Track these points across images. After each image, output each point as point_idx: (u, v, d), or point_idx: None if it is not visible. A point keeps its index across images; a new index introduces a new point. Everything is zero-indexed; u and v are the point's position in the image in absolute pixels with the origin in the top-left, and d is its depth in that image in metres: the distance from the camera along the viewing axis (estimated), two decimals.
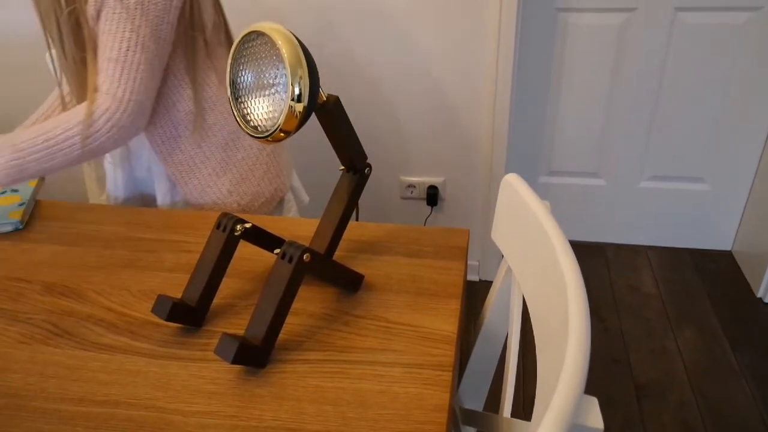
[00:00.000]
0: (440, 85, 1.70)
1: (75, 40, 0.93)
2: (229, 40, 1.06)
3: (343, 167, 0.76)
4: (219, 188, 1.08)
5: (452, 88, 1.70)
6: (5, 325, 0.75)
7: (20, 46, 1.80)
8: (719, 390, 1.56)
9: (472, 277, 2.00)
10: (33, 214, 0.98)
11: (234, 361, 0.63)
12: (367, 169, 0.76)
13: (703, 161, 1.92)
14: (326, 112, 0.67)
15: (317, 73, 0.62)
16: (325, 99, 0.66)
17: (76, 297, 0.80)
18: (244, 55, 0.64)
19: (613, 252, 2.08)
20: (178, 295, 0.74)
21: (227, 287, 0.79)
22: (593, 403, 0.45)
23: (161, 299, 0.71)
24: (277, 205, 1.17)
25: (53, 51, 0.98)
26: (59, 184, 2.06)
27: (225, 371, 0.67)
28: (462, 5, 1.57)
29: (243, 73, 0.64)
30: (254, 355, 0.66)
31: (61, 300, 0.79)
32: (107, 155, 1.12)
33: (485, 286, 1.98)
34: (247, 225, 0.73)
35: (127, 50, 0.89)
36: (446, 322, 0.72)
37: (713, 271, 1.97)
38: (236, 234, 0.73)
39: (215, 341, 0.71)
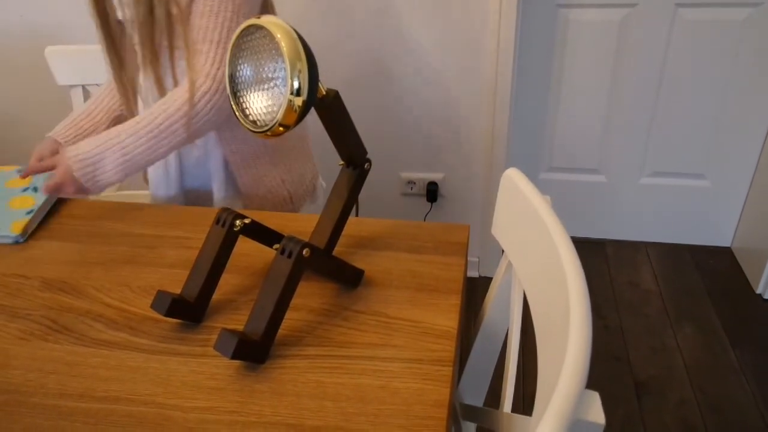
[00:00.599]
0: (440, 81, 1.70)
1: (167, 26, 0.93)
2: None
3: (342, 162, 0.76)
4: (273, 177, 1.09)
5: (452, 84, 1.69)
6: (5, 321, 0.75)
7: (20, 46, 1.80)
8: (719, 387, 1.56)
9: (472, 273, 2.00)
10: (40, 225, 0.96)
11: (233, 357, 0.63)
12: (367, 164, 0.76)
13: (704, 158, 1.92)
14: (325, 106, 0.67)
15: (317, 66, 0.62)
16: (324, 93, 0.66)
17: (76, 293, 0.79)
18: (243, 49, 0.63)
19: (613, 248, 2.08)
20: (178, 291, 0.73)
21: (227, 283, 0.79)
22: (595, 398, 0.45)
23: (160, 295, 0.70)
24: (313, 190, 1.19)
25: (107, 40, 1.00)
26: None
27: (225, 367, 0.67)
28: (462, 1, 1.57)
29: (242, 66, 0.64)
30: (254, 350, 0.66)
31: (61, 296, 0.79)
32: None
33: (485, 282, 1.98)
34: (247, 220, 0.73)
35: (228, 32, 0.90)
36: (446, 318, 0.72)
37: (713, 268, 1.97)
38: (235, 229, 0.73)
39: (215, 337, 0.71)
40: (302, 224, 0.90)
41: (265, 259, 0.84)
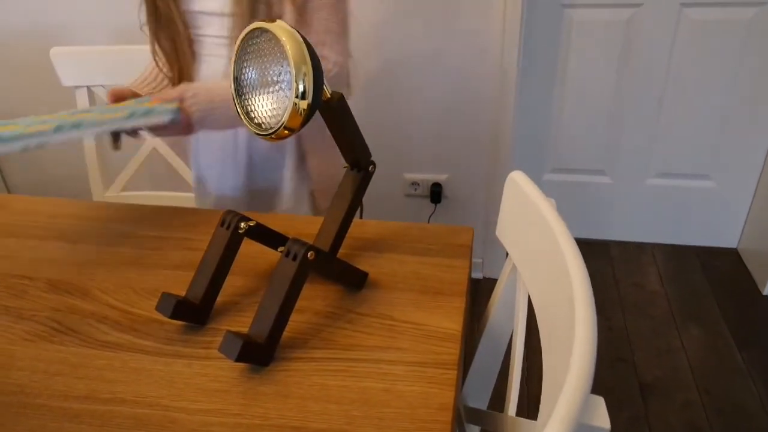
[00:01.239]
0: (445, 82, 1.69)
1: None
2: None
3: (347, 165, 0.76)
4: (338, 159, 1.11)
5: (457, 85, 1.69)
6: (10, 322, 0.75)
7: (26, 47, 1.80)
8: (725, 388, 1.56)
9: (476, 274, 2.00)
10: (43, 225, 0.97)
11: (238, 359, 0.63)
12: (372, 166, 0.76)
13: (709, 158, 1.91)
14: (330, 109, 0.67)
15: (321, 70, 0.62)
16: (329, 96, 0.66)
17: (81, 294, 0.80)
18: (248, 52, 0.64)
19: (618, 250, 2.07)
20: (183, 293, 0.74)
21: (231, 285, 0.79)
22: (600, 402, 0.45)
23: (165, 297, 0.71)
24: None
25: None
26: (64, 182, 2.07)
27: (229, 369, 0.67)
28: (467, 2, 1.57)
29: (247, 70, 0.64)
30: (258, 352, 0.66)
31: (66, 297, 0.79)
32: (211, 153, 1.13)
33: (489, 283, 1.97)
34: (251, 222, 0.73)
35: (345, 21, 0.98)
36: (451, 320, 0.72)
37: (719, 269, 1.96)
38: (240, 231, 0.73)
39: (219, 339, 0.71)
40: (307, 226, 0.90)
41: (270, 261, 0.84)
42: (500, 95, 1.68)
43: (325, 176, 1.11)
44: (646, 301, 1.86)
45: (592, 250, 2.06)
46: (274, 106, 0.63)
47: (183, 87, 0.94)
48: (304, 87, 0.59)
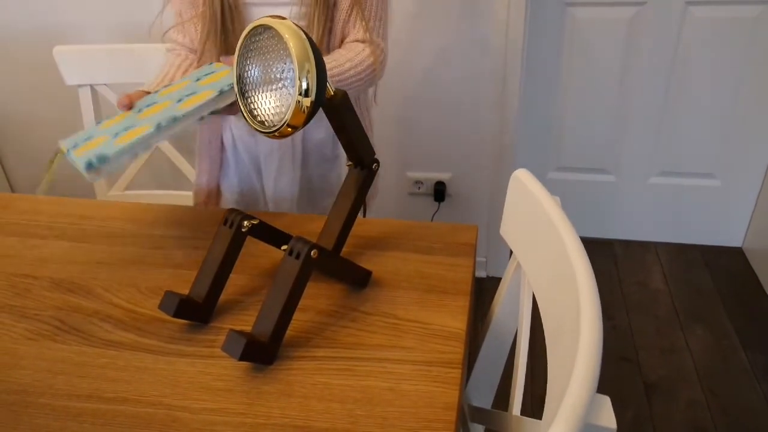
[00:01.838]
0: (448, 81, 1.69)
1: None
2: None
3: (350, 162, 0.76)
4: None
5: (460, 83, 1.69)
6: (13, 321, 0.75)
7: (29, 46, 1.81)
8: (730, 388, 1.55)
9: (480, 273, 2.00)
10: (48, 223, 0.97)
11: (241, 358, 0.63)
12: (375, 164, 0.75)
13: (714, 157, 1.90)
14: (333, 107, 0.67)
15: (325, 67, 0.61)
16: (332, 94, 0.66)
17: (84, 293, 0.80)
18: (251, 50, 0.63)
19: (622, 248, 2.06)
20: (186, 292, 0.73)
21: (234, 284, 0.79)
22: (606, 402, 0.45)
23: (168, 295, 0.70)
24: None
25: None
26: (67, 181, 2.07)
27: (232, 368, 0.67)
28: (470, 1, 1.56)
29: (250, 67, 0.64)
30: (262, 351, 0.66)
31: (69, 296, 0.79)
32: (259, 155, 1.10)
33: (493, 282, 1.97)
34: (254, 221, 0.73)
35: (388, 7, 1.01)
36: (455, 319, 0.72)
37: (723, 268, 1.96)
38: (243, 230, 0.72)
39: (223, 338, 0.71)
40: (310, 225, 0.90)
41: (273, 259, 0.84)
42: (504, 94, 1.67)
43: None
44: (650, 300, 1.85)
45: (595, 249, 2.05)
46: (278, 103, 0.63)
47: None
48: (308, 84, 0.59)
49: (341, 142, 0.72)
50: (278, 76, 0.62)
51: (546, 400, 0.55)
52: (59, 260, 0.86)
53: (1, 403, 0.64)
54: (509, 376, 0.71)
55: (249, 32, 0.63)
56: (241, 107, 0.66)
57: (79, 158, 0.75)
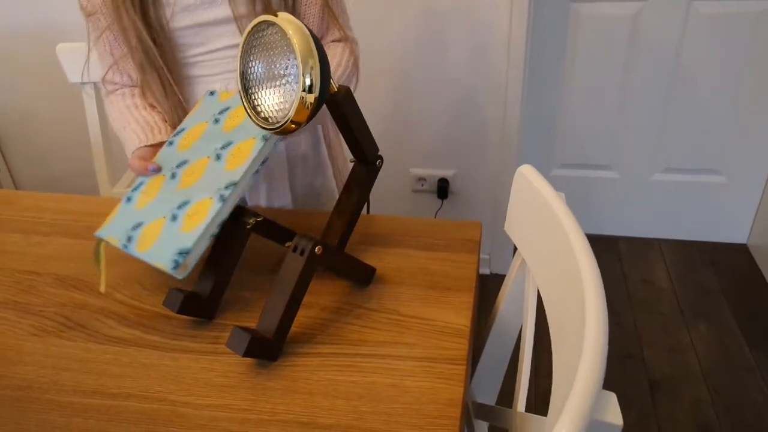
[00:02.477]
0: (451, 77, 1.68)
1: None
2: None
3: (354, 159, 0.76)
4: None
5: (463, 79, 1.68)
6: (18, 317, 0.76)
7: (32, 43, 1.81)
8: (734, 386, 1.55)
9: (483, 270, 1.99)
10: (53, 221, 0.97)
11: (246, 354, 0.63)
12: (379, 161, 0.75)
13: (718, 153, 1.89)
14: (337, 103, 0.66)
15: (328, 63, 0.61)
16: (336, 90, 0.65)
17: (88, 290, 0.80)
18: (255, 46, 0.63)
19: (626, 245, 2.06)
20: (190, 289, 0.73)
21: (239, 280, 0.79)
22: (612, 398, 0.45)
23: (172, 292, 0.70)
24: None
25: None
26: (71, 179, 2.07)
27: (237, 364, 0.67)
28: None
29: (253, 63, 0.64)
30: (266, 348, 0.66)
31: (73, 293, 0.79)
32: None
33: (496, 279, 1.97)
34: (259, 218, 0.73)
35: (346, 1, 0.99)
36: (459, 316, 0.72)
37: (728, 265, 1.95)
38: (248, 227, 0.72)
39: (227, 334, 0.71)
40: (314, 222, 0.90)
41: (278, 256, 0.83)
42: (507, 90, 1.67)
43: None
44: (654, 297, 1.84)
45: (599, 245, 2.05)
46: (281, 100, 0.62)
47: None
48: (312, 80, 0.59)
49: (345, 139, 0.72)
50: (282, 72, 0.62)
51: (551, 396, 0.55)
52: (63, 257, 0.86)
53: (6, 399, 0.64)
54: (513, 373, 0.71)
55: (253, 28, 0.62)
56: (245, 104, 0.65)
57: (152, 257, 0.69)
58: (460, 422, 0.59)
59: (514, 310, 0.78)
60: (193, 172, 0.75)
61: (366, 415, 0.60)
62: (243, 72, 0.65)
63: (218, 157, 0.74)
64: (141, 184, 0.79)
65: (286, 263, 0.67)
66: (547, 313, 0.63)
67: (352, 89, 0.95)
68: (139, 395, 0.64)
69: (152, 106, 0.95)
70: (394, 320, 0.72)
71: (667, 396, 1.53)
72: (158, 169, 0.78)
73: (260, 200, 1.03)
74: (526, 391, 0.68)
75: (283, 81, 0.62)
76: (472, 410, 0.83)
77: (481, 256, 1.98)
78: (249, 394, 0.63)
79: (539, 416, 0.61)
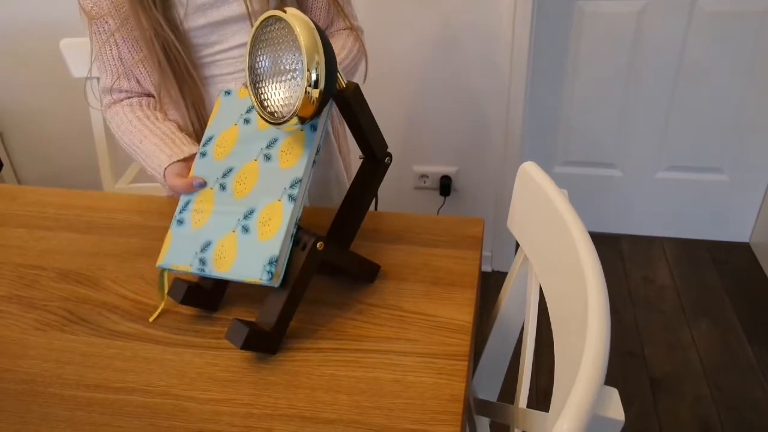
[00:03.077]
0: (455, 74, 1.68)
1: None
2: None
3: (362, 156, 0.76)
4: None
5: (467, 77, 1.68)
6: (22, 311, 0.76)
7: (33, 37, 1.81)
8: (736, 384, 1.55)
9: (485, 267, 1.99)
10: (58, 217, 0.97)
11: (244, 347, 0.63)
12: (388, 158, 0.75)
13: (721, 152, 1.89)
14: (345, 99, 0.66)
15: (335, 59, 0.61)
16: (344, 86, 0.65)
17: (92, 284, 0.80)
18: (262, 40, 0.63)
19: (628, 243, 2.06)
20: (194, 281, 0.73)
21: None
22: (613, 394, 0.45)
23: (177, 282, 0.71)
24: None
25: None
26: (74, 174, 2.08)
27: (239, 359, 0.67)
28: None
29: (261, 58, 0.64)
30: (265, 341, 0.66)
31: (77, 287, 0.80)
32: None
33: (498, 276, 1.97)
34: None
35: None
36: (461, 312, 0.72)
37: (730, 264, 1.95)
38: None
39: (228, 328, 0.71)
40: (320, 218, 0.90)
41: None
42: (510, 87, 1.66)
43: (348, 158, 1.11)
44: (656, 295, 1.84)
45: (602, 243, 2.05)
46: (287, 94, 0.63)
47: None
48: (317, 75, 0.59)
49: (354, 135, 0.72)
50: (288, 67, 0.62)
51: (553, 392, 0.55)
52: (67, 252, 0.86)
53: (10, 393, 0.65)
54: (515, 370, 0.71)
55: (260, 23, 0.62)
56: (252, 98, 0.65)
57: (238, 274, 0.67)
58: (461, 418, 0.60)
59: (516, 307, 0.78)
60: (244, 178, 0.71)
61: (368, 410, 0.60)
62: (251, 66, 0.65)
63: (267, 158, 0.71)
64: (188, 202, 0.74)
65: (289, 258, 0.67)
66: (549, 309, 0.64)
67: (360, 76, 0.95)
68: (142, 389, 0.64)
69: (165, 116, 0.93)
70: (396, 316, 0.72)
71: (668, 393, 1.53)
72: (204, 184, 0.74)
73: None
74: (528, 388, 0.68)
75: (290, 76, 0.62)
76: (473, 406, 0.83)
77: (484, 253, 1.98)
78: (252, 388, 0.64)
79: (541, 412, 0.62)
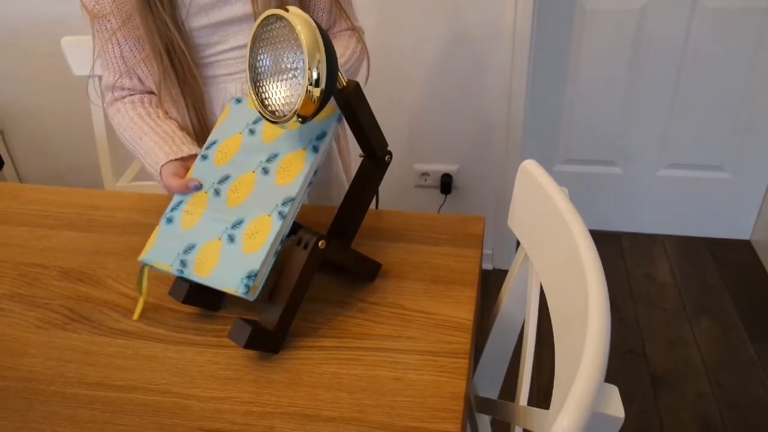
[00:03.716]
0: (455, 72, 1.68)
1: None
2: None
3: (362, 154, 0.76)
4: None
5: (468, 75, 1.68)
6: (23, 310, 0.76)
7: (34, 35, 1.81)
8: (737, 381, 1.55)
9: (486, 265, 1.99)
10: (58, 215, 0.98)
11: (246, 346, 0.63)
12: (388, 156, 0.75)
13: (723, 149, 1.89)
14: (345, 98, 0.66)
15: (336, 58, 0.61)
16: (344, 84, 0.65)
17: (93, 283, 0.80)
18: (263, 39, 0.63)
19: (629, 241, 2.06)
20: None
21: None
22: (613, 391, 0.45)
23: (178, 282, 0.71)
24: None
25: None
26: (75, 172, 2.08)
27: (241, 357, 0.67)
28: None
29: (261, 56, 0.64)
30: (268, 340, 0.66)
31: (78, 285, 0.80)
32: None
33: (499, 274, 1.97)
34: None
35: None
36: (462, 310, 0.72)
37: (731, 261, 1.95)
38: None
39: (231, 327, 0.71)
40: (321, 216, 0.90)
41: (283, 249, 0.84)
42: (511, 85, 1.66)
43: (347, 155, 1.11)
44: (657, 293, 1.84)
45: (603, 241, 2.05)
46: (288, 93, 0.63)
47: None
48: (318, 74, 0.59)
49: (354, 133, 0.72)
50: (289, 65, 0.62)
51: (554, 389, 0.55)
52: (68, 250, 0.87)
53: (12, 391, 0.65)
54: (515, 367, 0.72)
55: (261, 22, 0.62)
56: (253, 97, 0.65)
57: (217, 282, 0.67)
58: (462, 415, 0.60)
59: (517, 305, 0.78)
60: (239, 187, 0.71)
61: (369, 408, 0.61)
62: (252, 65, 0.65)
63: (266, 171, 0.71)
64: (180, 202, 0.74)
65: (290, 257, 0.67)
66: (549, 307, 0.64)
67: (362, 76, 0.95)
68: (144, 387, 0.64)
69: (166, 113, 0.93)
70: (397, 314, 0.72)
71: (669, 390, 1.53)
72: (200, 186, 0.74)
73: None
74: (529, 385, 0.68)
75: (290, 75, 0.62)
76: (474, 404, 0.83)
77: (484, 251, 1.98)
78: (253, 386, 0.64)
79: (541, 409, 0.62)
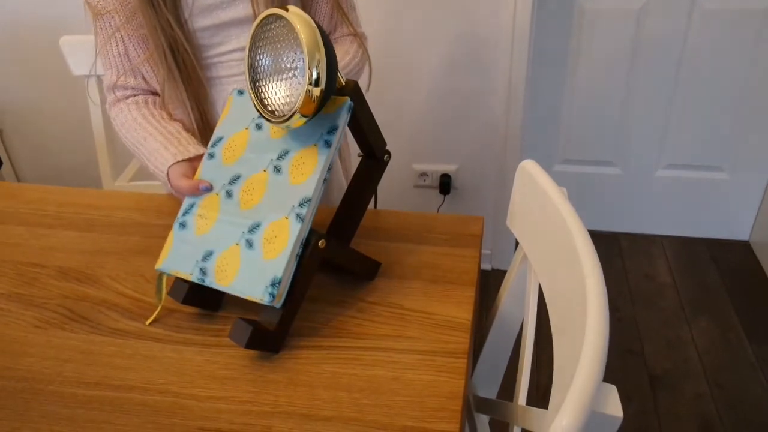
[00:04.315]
0: (454, 72, 1.68)
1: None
2: None
3: (361, 153, 0.76)
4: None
5: (466, 74, 1.68)
6: (21, 309, 0.76)
7: (32, 35, 1.81)
8: (735, 381, 1.55)
9: (485, 265, 1.99)
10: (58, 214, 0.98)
11: (248, 346, 0.63)
12: (387, 156, 0.75)
13: (721, 150, 1.89)
14: (344, 97, 0.66)
15: (335, 57, 0.61)
16: (343, 84, 0.65)
17: (91, 282, 0.80)
18: (263, 38, 0.63)
19: (627, 241, 2.06)
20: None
21: None
22: (612, 390, 0.45)
23: (178, 282, 0.71)
24: None
25: None
26: (74, 172, 2.08)
27: (239, 357, 0.67)
28: None
29: (261, 56, 0.64)
30: (268, 340, 0.66)
31: (76, 285, 0.80)
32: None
33: (497, 275, 1.97)
34: None
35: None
36: (461, 310, 0.72)
37: (730, 261, 1.95)
38: None
39: (229, 327, 0.71)
40: (320, 216, 0.90)
41: None
42: (510, 85, 1.66)
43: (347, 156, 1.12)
44: (655, 293, 1.85)
45: (601, 241, 2.05)
46: (288, 93, 0.62)
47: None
48: (318, 74, 0.59)
49: (353, 133, 0.72)
50: (288, 65, 0.62)
51: (552, 389, 0.55)
52: (66, 249, 0.87)
53: (10, 391, 0.65)
54: (514, 367, 0.72)
55: (260, 21, 0.62)
56: (252, 96, 0.65)
57: (240, 290, 0.66)
58: (461, 415, 0.60)
59: (516, 305, 0.78)
60: (252, 188, 0.69)
61: (367, 407, 0.61)
62: (251, 64, 0.65)
63: (278, 170, 0.68)
64: (192, 206, 0.73)
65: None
66: (548, 307, 0.64)
67: (363, 82, 0.96)
68: (142, 387, 0.64)
69: (170, 115, 0.93)
70: (396, 314, 0.72)
71: (668, 391, 1.53)
72: (210, 188, 0.72)
73: None
74: (527, 385, 0.68)
75: (290, 74, 0.62)
76: (473, 404, 0.83)
77: (483, 251, 1.98)
78: (251, 386, 0.64)
79: (540, 409, 0.62)
